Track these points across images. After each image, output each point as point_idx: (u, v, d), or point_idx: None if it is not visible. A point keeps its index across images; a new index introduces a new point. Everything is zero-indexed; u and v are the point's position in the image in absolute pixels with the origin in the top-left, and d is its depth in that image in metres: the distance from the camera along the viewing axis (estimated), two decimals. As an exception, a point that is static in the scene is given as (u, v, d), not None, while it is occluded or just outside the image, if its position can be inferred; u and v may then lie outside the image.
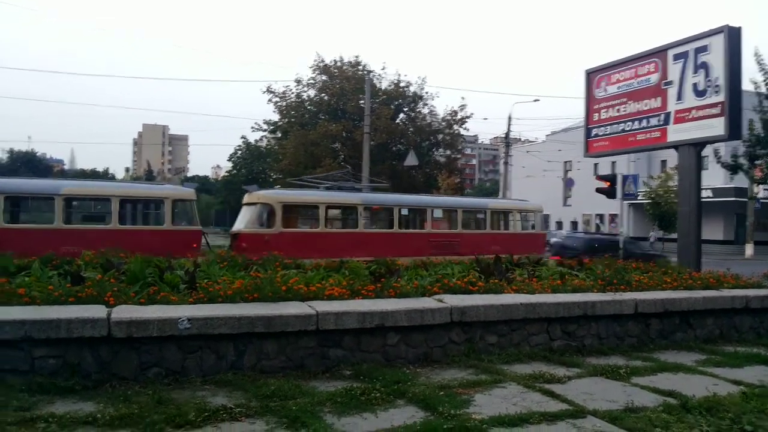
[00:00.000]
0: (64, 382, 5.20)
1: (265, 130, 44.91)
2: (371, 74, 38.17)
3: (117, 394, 5.12)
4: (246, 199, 19.01)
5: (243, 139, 54.09)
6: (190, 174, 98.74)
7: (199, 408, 4.77)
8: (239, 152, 55.78)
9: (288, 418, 4.65)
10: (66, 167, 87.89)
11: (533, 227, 23.28)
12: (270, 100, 40.64)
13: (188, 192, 18.32)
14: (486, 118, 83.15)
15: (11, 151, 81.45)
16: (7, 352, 5.19)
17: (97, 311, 5.58)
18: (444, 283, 7.81)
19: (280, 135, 43.12)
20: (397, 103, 40.64)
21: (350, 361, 6.26)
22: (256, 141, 50.92)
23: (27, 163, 75.54)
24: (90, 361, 5.43)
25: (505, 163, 45.89)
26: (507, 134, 46.07)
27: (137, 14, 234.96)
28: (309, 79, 40.37)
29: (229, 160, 58.05)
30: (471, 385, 5.76)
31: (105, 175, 74.72)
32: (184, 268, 7.89)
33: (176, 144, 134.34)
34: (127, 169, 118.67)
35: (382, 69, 52.41)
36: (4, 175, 27.28)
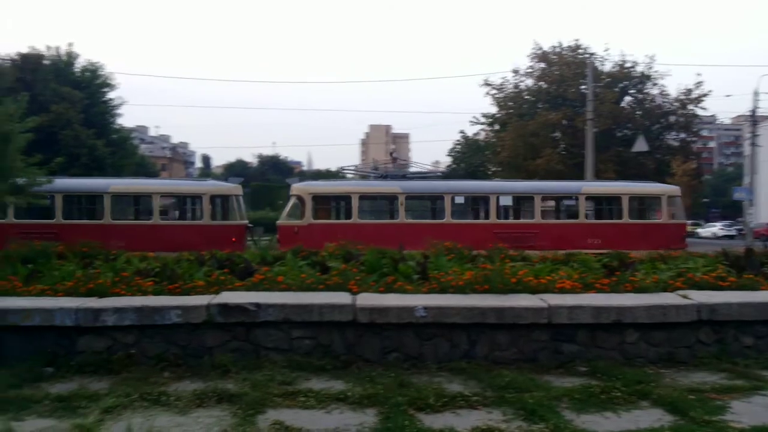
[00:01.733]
0: (317, 362, 5.76)
1: (482, 123, 45.18)
2: (593, 57, 36.36)
3: (363, 374, 5.54)
4: (290, 191, 19.34)
5: (461, 134, 54.85)
6: (412, 170, 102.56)
7: (437, 393, 4.97)
8: (458, 147, 56.67)
9: (524, 410, 4.65)
10: (304, 168, 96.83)
11: (669, 216, 19.05)
12: (487, 93, 40.77)
13: (228, 187, 18.55)
14: (729, 95, 73.75)
15: (260, 156, 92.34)
16: (271, 331, 5.91)
17: (344, 298, 6.12)
18: (687, 278, 7.20)
19: (498, 127, 43.01)
20: (622, 85, 38.20)
21: (585, 358, 6.05)
22: (474, 135, 51.31)
23: (273, 166, 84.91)
24: (338, 343, 5.95)
25: (752, 144, 40.52)
26: (753, 111, 40.63)
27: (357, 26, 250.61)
28: (527, 68, 39.69)
29: (448, 155, 59.28)
30: (725, 391, 5.23)
31: (336, 175, 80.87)
32: (415, 260, 8.26)
33: (399, 142, 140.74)
34: (356, 167, 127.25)
35: (605, 51, 49.25)
36: (254, 178, 30.68)
